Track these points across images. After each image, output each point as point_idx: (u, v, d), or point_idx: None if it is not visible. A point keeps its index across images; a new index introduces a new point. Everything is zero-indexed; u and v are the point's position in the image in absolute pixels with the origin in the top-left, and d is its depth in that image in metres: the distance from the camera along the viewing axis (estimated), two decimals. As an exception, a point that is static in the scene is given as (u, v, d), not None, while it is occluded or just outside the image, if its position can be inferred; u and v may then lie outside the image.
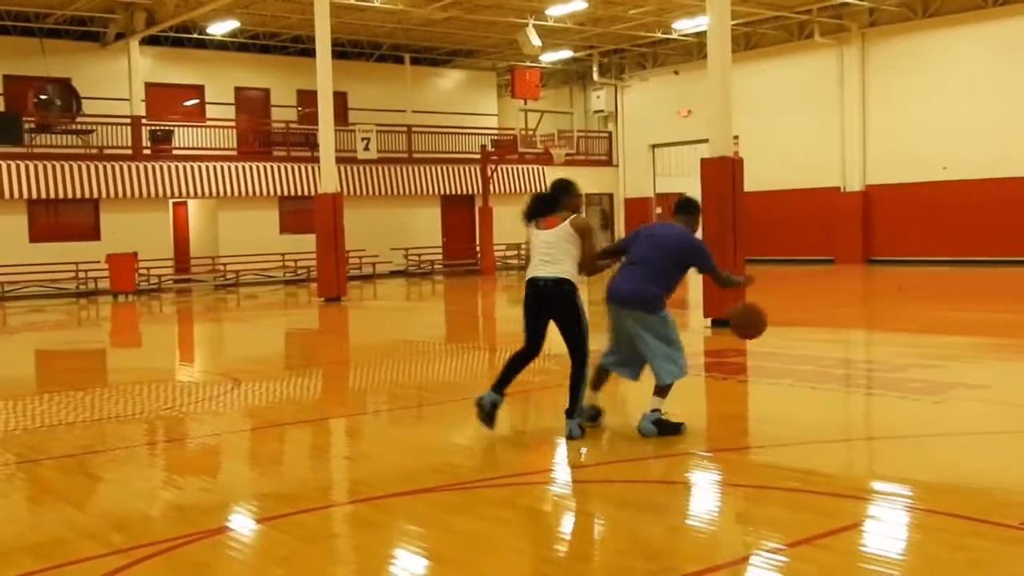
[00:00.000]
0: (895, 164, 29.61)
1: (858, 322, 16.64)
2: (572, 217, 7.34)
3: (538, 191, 7.59)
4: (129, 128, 28.80)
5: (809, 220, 31.63)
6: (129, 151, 28.57)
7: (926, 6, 28.61)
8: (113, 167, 27.92)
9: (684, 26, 31.01)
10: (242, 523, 5.79)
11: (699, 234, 7.87)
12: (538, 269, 7.30)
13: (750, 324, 7.65)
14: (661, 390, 7.36)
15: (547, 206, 7.44)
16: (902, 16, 29.15)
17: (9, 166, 26.60)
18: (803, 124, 31.62)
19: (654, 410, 7.32)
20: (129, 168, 28.12)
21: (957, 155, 27.94)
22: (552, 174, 34.77)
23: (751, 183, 18.28)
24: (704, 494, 6.29)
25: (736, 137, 19.21)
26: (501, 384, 7.51)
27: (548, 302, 7.30)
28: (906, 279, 23.98)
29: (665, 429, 7.32)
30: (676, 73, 35.31)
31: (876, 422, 7.98)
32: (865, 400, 9.26)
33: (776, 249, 31.13)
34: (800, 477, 6.46)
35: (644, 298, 7.33)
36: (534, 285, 7.32)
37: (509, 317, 20.87)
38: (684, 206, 7.76)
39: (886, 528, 5.35)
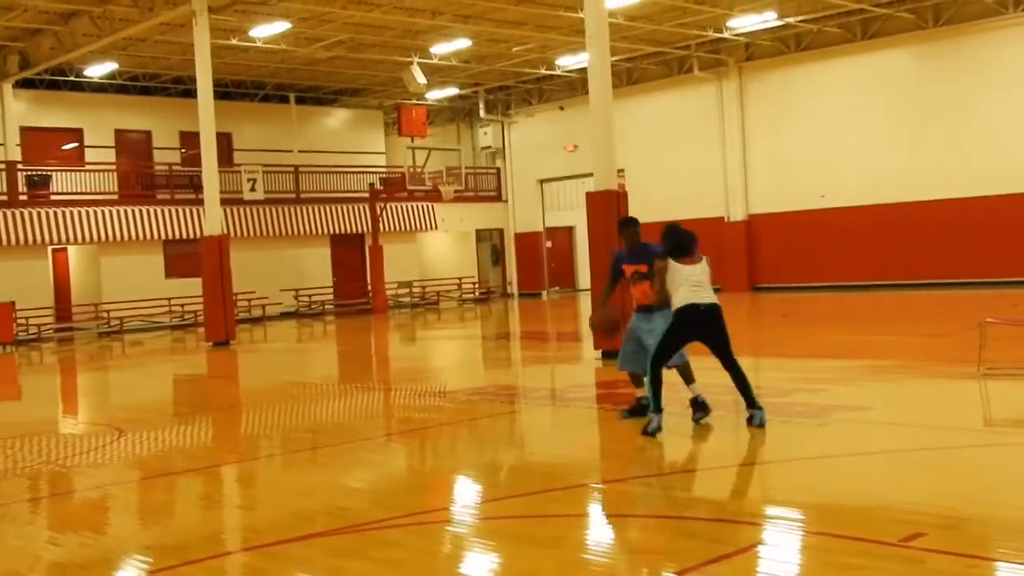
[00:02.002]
0: (776, 193, 30.46)
1: (744, 349, 16.87)
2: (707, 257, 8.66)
3: (677, 233, 8.62)
4: (3, 173, 27.92)
5: (695, 250, 32.09)
6: (4, 197, 27.66)
7: (799, 40, 29.59)
8: (-13, 214, 27.03)
9: (567, 63, 31.50)
10: (126, 578, 5.61)
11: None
12: (696, 296, 8.46)
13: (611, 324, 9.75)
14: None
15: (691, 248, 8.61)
16: (776, 50, 30.09)
17: None
18: (686, 156, 32.30)
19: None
20: (4, 215, 27.21)
21: (833, 183, 28.86)
22: (441, 211, 35.03)
23: (637, 215, 18.44)
24: (597, 526, 6.33)
25: (621, 170, 19.46)
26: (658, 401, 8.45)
27: (711, 322, 8.52)
28: (790, 305, 24.61)
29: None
30: (561, 109, 35.78)
31: (763, 447, 8.14)
32: (753, 425, 9.44)
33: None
34: (690, 504, 6.55)
35: None
36: (696, 309, 8.43)
37: (402, 355, 20.78)
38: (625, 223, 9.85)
39: (774, 551, 5.45)
